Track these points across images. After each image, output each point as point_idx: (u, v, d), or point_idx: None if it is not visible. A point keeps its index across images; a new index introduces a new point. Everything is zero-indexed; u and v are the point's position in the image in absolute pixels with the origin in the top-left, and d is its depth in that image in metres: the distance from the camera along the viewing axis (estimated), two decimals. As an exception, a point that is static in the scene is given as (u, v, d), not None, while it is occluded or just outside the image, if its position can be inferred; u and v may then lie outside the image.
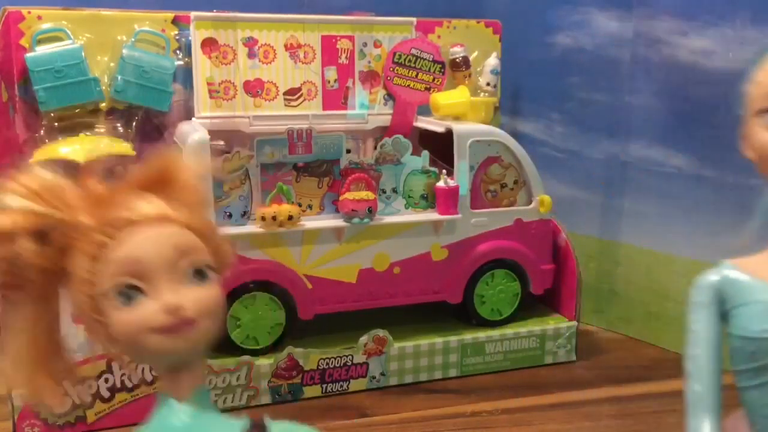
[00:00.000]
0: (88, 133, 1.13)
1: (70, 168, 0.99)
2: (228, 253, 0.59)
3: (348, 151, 1.19)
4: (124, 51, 1.13)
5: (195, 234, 0.55)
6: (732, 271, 0.60)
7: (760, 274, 0.59)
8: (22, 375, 0.54)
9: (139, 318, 0.51)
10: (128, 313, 0.51)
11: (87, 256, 0.53)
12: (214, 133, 1.09)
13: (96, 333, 0.54)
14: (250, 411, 1.07)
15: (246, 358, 1.07)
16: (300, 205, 1.11)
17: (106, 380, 1.00)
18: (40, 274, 0.53)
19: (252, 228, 1.08)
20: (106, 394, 1.00)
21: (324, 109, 1.24)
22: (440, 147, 1.22)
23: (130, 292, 0.51)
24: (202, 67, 1.17)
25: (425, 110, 1.30)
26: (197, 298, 0.52)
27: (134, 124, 1.16)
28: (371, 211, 1.12)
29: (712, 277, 0.61)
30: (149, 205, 0.55)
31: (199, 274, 0.53)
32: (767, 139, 0.56)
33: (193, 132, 1.06)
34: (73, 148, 1.07)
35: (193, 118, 1.17)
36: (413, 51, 1.29)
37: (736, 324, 0.58)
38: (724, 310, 0.60)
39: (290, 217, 1.08)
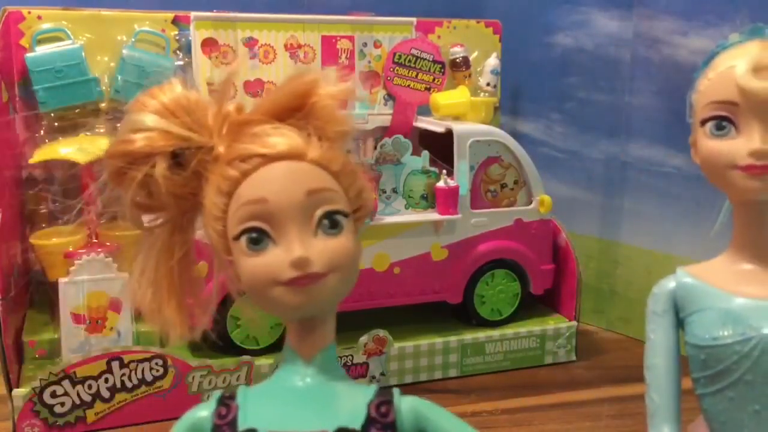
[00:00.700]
0: (88, 134, 1.13)
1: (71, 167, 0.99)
2: (368, 199, 0.54)
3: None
4: (124, 51, 1.13)
5: (331, 174, 0.51)
6: (687, 279, 0.60)
7: (714, 280, 0.59)
8: (150, 300, 0.53)
9: (264, 267, 0.48)
10: (255, 260, 0.48)
11: (218, 191, 0.50)
12: (214, 133, 1.09)
13: (226, 273, 0.52)
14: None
15: (246, 358, 1.07)
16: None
17: (106, 380, 1.00)
18: (174, 199, 0.51)
19: (252, 228, 1.08)
20: (106, 394, 1.00)
21: (324, 109, 1.24)
22: (440, 147, 1.22)
23: (257, 237, 0.48)
24: (202, 67, 1.17)
25: (425, 110, 1.30)
26: (328, 249, 0.49)
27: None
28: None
29: (668, 285, 0.61)
30: (282, 138, 0.50)
31: (333, 222, 0.49)
32: (711, 147, 0.56)
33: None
34: (73, 149, 1.07)
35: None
36: (413, 51, 1.29)
37: (689, 332, 0.58)
38: (680, 318, 0.60)
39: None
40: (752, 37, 0.57)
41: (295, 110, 0.52)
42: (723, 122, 0.55)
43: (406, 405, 0.52)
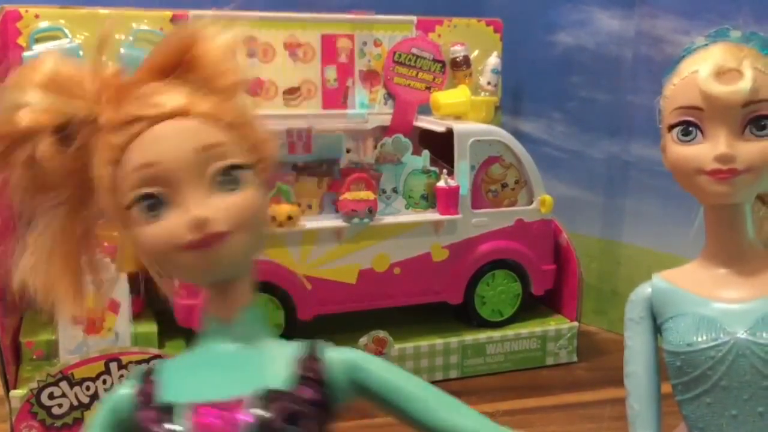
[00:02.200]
0: (86, 133, 1.12)
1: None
2: (269, 148, 0.50)
3: (348, 151, 1.18)
4: (123, 50, 1.13)
5: (224, 128, 0.48)
6: (662, 284, 0.60)
7: (688, 285, 0.59)
8: (42, 270, 0.49)
9: (163, 234, 0.45)
10: (152, 228, 0.45)
11: (105, 161, 0.47)
12: (212, 133, 1.09)
13: (132, 248, 0.49)
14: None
15: (245, 359, 1.07)
16: (299, 205, 1.10)
17: (104, 382, 0.99)
18: (64, 177, 0.48)
19: (251, 228, 1.07)
20: (104, 395, 1.00)
21: (324, 108, 1.24)
22: (440, 147, 1.21)
23: (152, 203, 0.45)
24: (201, 66, 1.16)
25: (425, 110, 1.29)
26: (228, 206, 0.46)
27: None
28: (371, 211, 1.11)
29: (644, 291, 0.61)
30: (165, 96, 0.47)
31: (230, 177, 0.46)
32: (678, 153, 0.56)
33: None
34: (71, 148, 1.07)
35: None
36: (413, 50, 1.28)
37: (665, 338, 0.58)
38: (657, 324, 0.60)
39: (290, 218, 1.07)
40: (716, 40, 0.56)
41: (178, 66, 0.49)
42: (689, 128, 0.55)
43: (337, 358, 0.49)
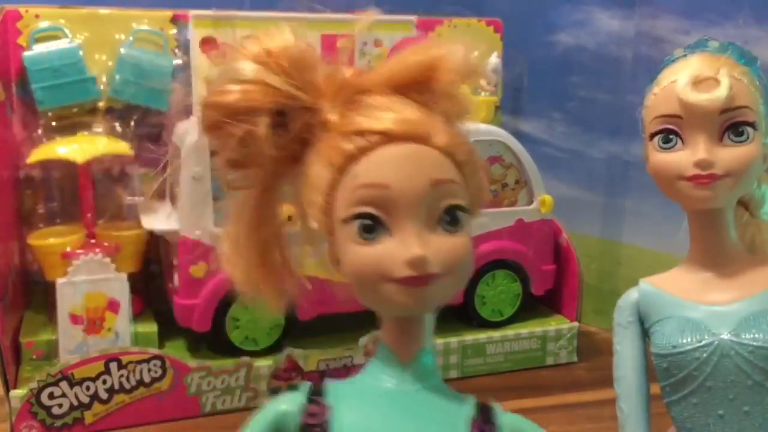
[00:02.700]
0: (86, 133, 1.12)
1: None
2: (486, 191, 0.49)
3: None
4: (123, 50, 1.13)
5: (456, 164, 0.45)
6: (649, 289, 0.62)
7: (674, 289, 0.60)
8: (239, 262, 0.48)
9: (376, 260, 0.44)
10: (365, 250, 0.44)
11: (328, 164, 0.45)
12: (213, 133, 1.08)
13: (327, 249, 0.48)
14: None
15: (245, 359, 1.07)
16: (299, 205, 1.10)
17: (104, 381, 0.99)
18: (272, 161, 0.46)
19: (251, 228, 1.07)
20: (104, 395, 1.00)
21: (324, 108, 1.24)
22: (441, 146, 1.21)
23: (372, 225, 0.44)
24: (201, 66, 1.16)
25: (426, 109, 1.29)
26: (446, 249, 0.44)
27: (132, 123, 1.15)
28: (371, 211, 1.11)
29: (632, 296, 0.62)
30: (406, 116, 0.45)
31: (454, 218, 0.45)
32: (659, 160, 0.58)
33: (192, 131, 1.06)
34: (71, 148, 1.07)
35: (192, 118, 1.16)
36: (414, 50, 1.28)
37: (652, 341, 0.60)
38: (645, 328, 0.61)
39: (289, 218, 1.07)
40: (695, 50, 0.58)
41: (416, 84, 0.47)
42: (669, 135, 0.57)
43: (507, 424, 0.49)
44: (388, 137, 0.44)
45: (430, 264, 0.43)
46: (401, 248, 0.43)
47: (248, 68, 0.45)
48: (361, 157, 0.44)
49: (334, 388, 0.48)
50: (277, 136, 0.46)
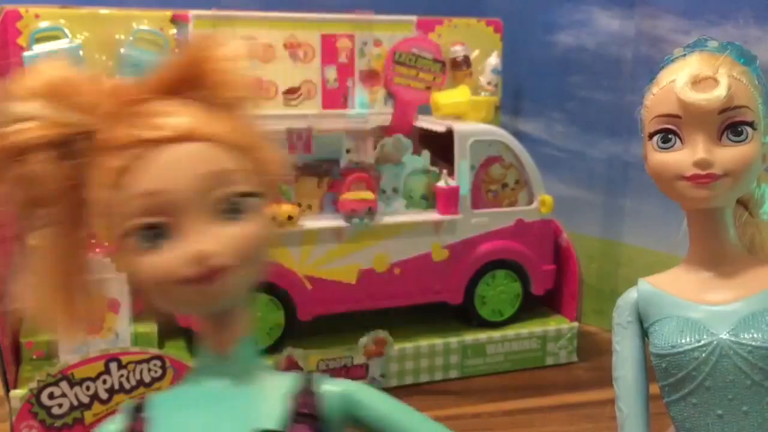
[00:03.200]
0: (86, 133, 1.12)
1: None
2: (275, 166, 0.48)
3: (348, 151, 1.18)
4: (123, 50, 1.13)
5: (232, 151, 0.45)
6: (648, 289, 0.61)
7: (673, 289, 0.60)
8: (39, 298, 0.46)
9: (162, 266, 0.43)
10: (151, 259, 0.43)
11: (103, 185, 0.44)
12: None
13: (126, 273, 0.46)
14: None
15: (245, 359, 1.07)
16: (299, 205, 1.10)
17: (104, 381, 0.99)
18: (60, 194, 0.45)
19: (251, 228, 1.07)
20: (104, 395, 1.00)
21: (324, 108, 1.24)
22: (441, 147, 1.21)
23: (152, 233, 0.43)
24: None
25: (426, 110, 1.29)
26: (232, 237, 0.43)
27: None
28: (371, 211, 1.11)
29: (631, 296, 0.62)
30: (169, 118, 0.44)
31: (236, 206, 0.44)
32: (658, 160, 0.58)
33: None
34: (71, 148, 1.07)
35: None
36: (414, 50, 1.28)
37: (651, 341, 0.60)
38: (644, 328, 0.61)
39: (290, 218, 1.07)
40: (694, 49, 0.58)
41: (182, 83, 0.46)
42: (668, 135, 0.57)
43: (333, 391, 0.48)
44: (151, 143, 0.44)
45: (215, 257, 0.43)
46: (183, 247, 0.43)
47: (12, 108, 0.44)
48: (129, 169, 0.44)
49: (153, 400, 0.47)
50: (60, 168, 0.44)
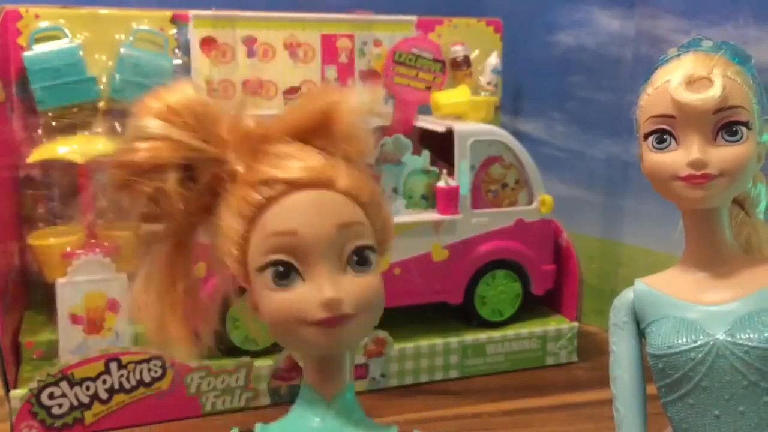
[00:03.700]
0: (86, 133, 1.12)
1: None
2: (391, 231, 0.51)
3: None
4: (123, 50, 1.13)
5: (360, 205, 0.47)
6: (644, 289, 0.62)
7: (670, 289, 0.60)
8: (152, 314, 0.49)
9: (292, 305, 0.45)
10: (281, 296, 0.45)
11: (239, 215, 0.46)
12: (212, 133, 1.09)
13: (253, 305, 0.48)
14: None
15: (245, 359, 1.07)
16: (299, 205, 1.10)
17: (104, 381, 0.99)
18: (182, 213, 0.47)
19: (251, 228, 1.07)
20: (104, 395, 1.00)
21: (324, 108, 1.24)
22: (441, 146, 1.21)
23: (285, 271, 0.45)
24: (201, 66, 1.16)
25: (426, 109, 1.29)
26: (358, 289, 0.46)
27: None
28: (371, 211, 1.11)
29: (627, 296, 0.63)
30: (309, 163, 0.47)
31: (362, 258, 0.47)
32: (654, 160, 0.58)
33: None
34: (71, 148, 1.07)
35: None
36: (413, 50, 1.28)
37: (648, 342, 0.60)
38: (641, 328, 0.62)
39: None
40: (688, 49, 0.58)
41: (316, 130, 0.49)
42: (663, 135, 0.57)
43: None
44: (292, 185, 0.46)
45: (344, 305, 0.45)
46: (315, 292, 0.45)
47: (152, 125, 0.46)
48: (269, 206, 0.46)
49: (264, 429, 0.49)
50: (186, 190, 0.47)
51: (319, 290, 0.45)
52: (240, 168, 0.47)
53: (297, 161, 0.47)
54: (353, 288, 0.46)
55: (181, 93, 0.47)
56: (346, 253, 0.46)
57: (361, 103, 0.50)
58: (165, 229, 0.49)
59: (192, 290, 0.50)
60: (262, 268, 0.46)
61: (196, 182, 0.47)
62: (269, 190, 0.46)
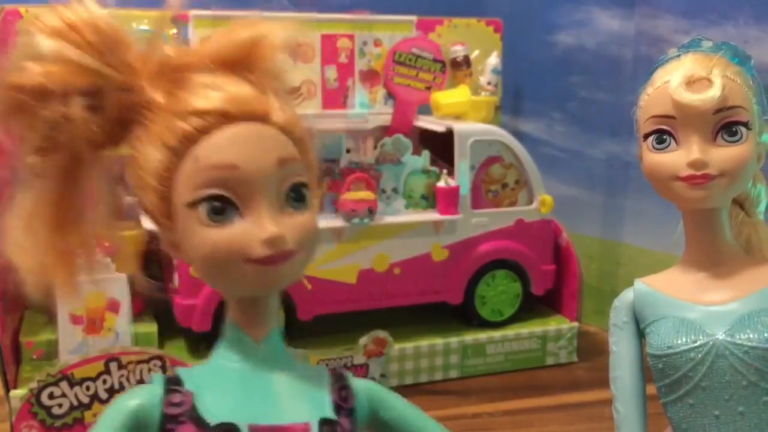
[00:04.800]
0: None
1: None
2: (318, 167, 0.49)
3: (348, 151, 1.18)
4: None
5: (294, 141, 0.45)
6: (644, 289, 0.62)
7: (669, 289, 0.60)
8: (31, 249, 0.44)
9: (230, 242, 0.43)
10: (216, 232, 0.43)
11: (164, 146, 0.43)
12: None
13: (160, 234, 0.45)
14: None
15: (245, 359, 1.07)
16: (299, 205, 1.10)
17: (104, 381, 0.99)
18: (86, 144, 0.43)
19: (251, 228, 1.07)
20: (104, 395, 1.00)
21: (324, 108, 1.24)
22: (441, 147, 1.21)
23: (221, 206, 0.43)
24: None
25: (426, 110, 1.29)
26: (299, 226, 0.44)
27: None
28: (371, 211, 1.11)
29: (627, 296, 0.63)
30: (246, 95, 0.44)
31: (300, 195, 0.45)
32: (654, 160, 0.58)
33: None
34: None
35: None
36: (414, 50, 1.28)
37: (648, 342, 0.60)
38: (641, 328, 0.61)
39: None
40: (688, 50, 0.58)
41: (242, 61, 0.46)
42: (663, 136, 0.57)
43: (363, 387, 0.49)
44: (226, 117, 0.43)
45: (287, 242, 0.43)
46: (256, 228, 0.43)
47: (45, 44, 0.42)
48: (201, 138, 0.43)
49: (189, 374, 0.46)
50: (92, 119, 0.43)
51: (260, 227, 0.43)
52: (158, 97, 0.44)
53: (227, 92, 0.44)
54: (293, 225, 0.44)
55: (84, 8, 0.43)
56: (284, 190, 0.44)
57: (289, 38, 0.48)
58: (58, 161, 0.43)
59: (79, 222, 0.45)
60: (193, 204, 0.43)
61: (102, 110, 0.43)
62: (200, 120, 0.43)
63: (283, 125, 0.45)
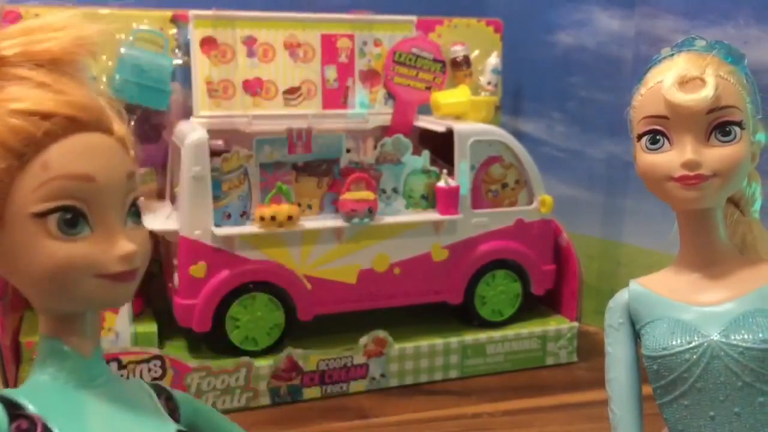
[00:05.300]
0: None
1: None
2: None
3: (348, 151, 1.18)
4: (123, 50, 1.13)
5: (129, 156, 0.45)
6: (639, 290, 0.62)
7: (664, 290, 0.60)
8: None
9: (86, 258, 0.41)
10: (67, 247, 0.41)
11: (3, 149, 0.40)
12: (213, 133, 1.09)
13: (12, 256, 0.41)
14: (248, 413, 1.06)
15: (245, 359, 1.07)
16: (299, 205, 1.10)
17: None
18: None
19: (251, 228, 1.07)
20: None
21: (324, 108, 1.24)
22: (441, 147, 1.21)
23: (73, 219, 0.41)
24: (201, 66, 1.16)
25: (426, 109, 1.29)
26: (144, 241, 0.44)
27: (132, 123, 1.15)
28: (371, 211, 1.11)
29: (622, 297, 0.63)
30: (90, 102, 0.42)
31: (137, 209, 0.44)
32: (647, 161, 0.57)
33: (192, 131, 1.06)
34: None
35: (192, 118, 1.16)
36: (414, 50, 1.28)
37: (643, 344, 0.60)
38: (636, 329, 0.62)
39: (290, 218, 1.07)
40: (681, 49, 0.58)
41: (63, 62, 0.43)
42: (657, 136, 0.57)
43: (181, 397, 0.51)
44: (76, 124, 0.41)
45: (138, 258, 0.43)
46: (110, 244, 0.42)
47: None
48: (51, 144, 0.40)
49: (26, 396, 0.43)
50: None
51: (114, 243, 0.42)
52: None
53: (68, 96, 0.41)
54: (139, 240, 0.43)
55: None
56: (127, 204, 0.43)
57: (108, 41, 0.46)
58: None
59: None
60: (41, 214, 0.40)
61: None
62: (48, 124, 0.40)
63: (122, 137, 0.44)
